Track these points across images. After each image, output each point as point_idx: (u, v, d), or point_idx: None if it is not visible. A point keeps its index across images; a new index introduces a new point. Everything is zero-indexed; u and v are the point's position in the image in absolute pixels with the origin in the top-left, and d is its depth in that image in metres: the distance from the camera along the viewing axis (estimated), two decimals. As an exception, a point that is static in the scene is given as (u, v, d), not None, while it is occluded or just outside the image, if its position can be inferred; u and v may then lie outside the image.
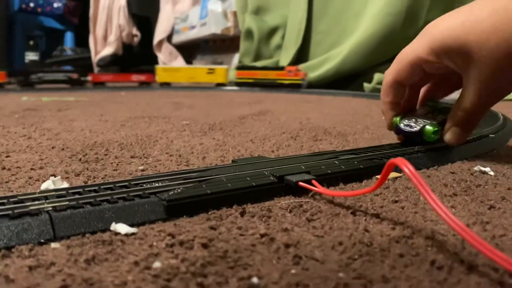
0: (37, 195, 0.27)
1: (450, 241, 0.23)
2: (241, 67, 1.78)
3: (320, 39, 1.69)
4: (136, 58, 2.79)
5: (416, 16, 1.38)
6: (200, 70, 1.88)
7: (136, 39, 2.68)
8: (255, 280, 0.19)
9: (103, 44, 2.59)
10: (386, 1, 1.39)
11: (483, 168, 0.39)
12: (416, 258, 0.21)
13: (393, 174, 0.36)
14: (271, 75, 1.67)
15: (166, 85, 1.89)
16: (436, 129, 0.42)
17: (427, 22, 1.35)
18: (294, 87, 1.61)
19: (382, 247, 0.23)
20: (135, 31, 2.67)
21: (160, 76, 1.92)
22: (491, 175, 0.37)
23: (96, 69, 2.50)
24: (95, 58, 2.61)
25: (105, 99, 1.21)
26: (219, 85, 1.83)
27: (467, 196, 0.32)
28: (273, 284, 0.19)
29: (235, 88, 1.74)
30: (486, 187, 0.34)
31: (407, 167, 0.23)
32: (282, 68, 1.67)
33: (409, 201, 0.30)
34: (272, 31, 1.91)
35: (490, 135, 0.51)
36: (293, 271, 0.20)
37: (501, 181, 0.35)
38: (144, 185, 0.30)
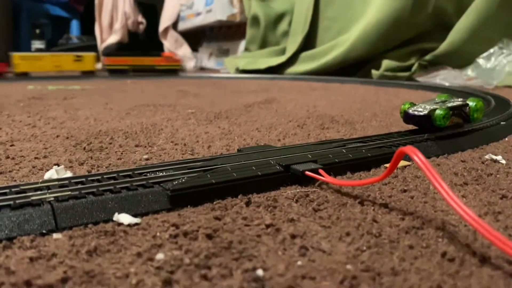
0: (39, 185, 0.26)
1: (461, 232, 0.23)
2: (109, 54, 1.79)
3: (328, 25, 1.66)
4: (142, 46, 2.78)
5: (424, 2, 1.36)
6: (66, 57, 1.72)
7: (141, 27, 2.67)
8: (260, 272, 0.19)
9: (109, 32, 2.58)
10: (394, -14, 1.36)
11: (494, 157, 0.38)
12: (426, 250, 0.21)
13: (402, 163, 0.36)
14: (147, 61, 1.73)
15: (24, 75, 1.62)
16: (447, 112, 0.41)
17: (436, 8, 1.32)
18: (171, 72, 1.71)
19: (391, 238, 0.22)
20: (140, 18, 2.65)
21: (19, 65, 1.62)
22: (502, 164, 0.36)
23: (102, 57, 2.50)
24: (101, 46, 2.60)
25: (111, 87, 1.21)
26: (87, 73, 1.71)
27: (478, 185, 0.31)
28: (279, 276, 0.18)
29: (242, 75, 1.72)
30: (497, 176, 0.33)
31: (417, 156, 0.22)
32: (158, 54, 1.75)
33: (418, 191, 0.29)
34: (279, 18, 1.89)
35: (501, 123, 0.50)
36: (299, 262, 0.20)
37: (513, 170, 0.34)
38: (148, 174, 0.29)
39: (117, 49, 2.47)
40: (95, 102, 0.83)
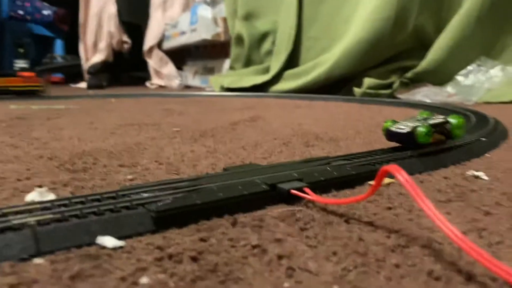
0: (21, 208, 0.26)
1: (447, 249, 0.23)
2: None
3: (311, 44, 1.69)
4: (127, 65, 2.78)
5: (405, 22, 1.39)
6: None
7: (126, 46, 2.67)
8: (246, 295, 0.18)
9: (93, 51, 2.57)
10: (375, 7, 1.39)
11: (476, 173, 0.38)
12: (412, 269, 0.21)
13: (386, 180, 0.36)
14: (1, 82, 1.53)
15: None
16: (429, 130, 0.41)
17: (416, 27, 1.36)
18: (30, 93, 1.52)
19: (378, 257, 0.22)
20: (125, 38, 2.66)
21: None
22: (485, 180, 0.37)
23: (86, 76, 2.49)
24: (85, 65, 2.59)
25: (95, 106, 1.20)
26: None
27: (462, 202, 0.31)
28: (266, 298, 0.18)
29: (227, 93, 1.73)
30: (480, 192, 0.33)
31: (401, 174, 0.22)
32: (13, 74, 1.57)
33: (403, 208, 0.30)
34: (263, 37, 1.91)
35: (482, 139, 0.51)
36: (286, 284, 0.19)
37: (495, 186, 0.35)
38: (132, 195, 0.29)
39: (102, 68, 2.47)
40: (80, 121, 0.82)
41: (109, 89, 2.24)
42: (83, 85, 2.50)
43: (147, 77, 2.68)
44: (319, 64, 1.56)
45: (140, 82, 2.75)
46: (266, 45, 1.90)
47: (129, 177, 0.39)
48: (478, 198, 0.32)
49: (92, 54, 2.57)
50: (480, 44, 1.34)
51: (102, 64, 2.50)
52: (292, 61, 1.72)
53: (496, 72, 1.28)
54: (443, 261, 0.21)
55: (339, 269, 0.21)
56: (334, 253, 0.22)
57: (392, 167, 0.23)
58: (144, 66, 2.65)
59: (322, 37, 1.65)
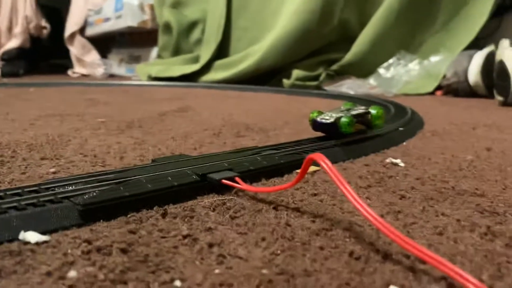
0: None
1: (366, 231, 0.24)
2: None
3: (240, 35, 1.69)
4: (46, 52, 2.61)
5: (330, 15, 1.43)
6: None
7: (45, 32, 2.51)
8: (177, 283, 0.19)
9: (8, 37, 2.39)
10: (302, 0, 1.42)
11: (394, 160, 0.41)
12: (335, 250, 0.22)
13: (312, 168, 0.37)
14: None
15: None
16: (351, 120, 0.43)
17: (341, 21, 1.40)
18: None
19: (303, 241, 0.23)
20: (44, 23, 2.49)
21: None
22: (401, 166, 0.40)
23: (0, 63, 2.31)
24: (-1, 51, 2.41)
25: (10, 95, 1.12)
26: None
27: (381, 187, 0.33)
28: (197, 285, 0.19)
29: (155, 83, 1.69)
30: (397, 178, 0.36)
31: (324, 162, 0.23)
32: None
33: (327, 194, 0.31)
34: (192, 25, 1.88)
35: (400, 128, 0.55)
36: (216, 271, 0.20)
37: (411, 172, 0.38)
38: (56, 189, 0.28)
39: (18, 55, 2.30)
40: (-7, 112, 0.76)
41: (26, 78, 2.10)
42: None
43: (69, 65, 2.54)
44: (248, 55, 1.58)
45: (61, 71, 2.60)
46: (195, 34, 1.88)
47: (52, 170, 0.37)
48: (395, 184, 0.34)
49: (6, 40, 2.39)
50: (400, 39, 1.43)
51: (17, 51, 2.33)
52: (221, 51, 1.72)
53: (414, 65, 1.37)
54: (363, 242, 0.23)
55: (268, 253, 0.22)
56: (263, 239, 0.23)
57: (317, 156, 0.24)
58: (65, 53, 2.51)
59: (251, 28, 1.66)
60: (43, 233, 0.23)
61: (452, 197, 0.31)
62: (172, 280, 0.19)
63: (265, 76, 1.56)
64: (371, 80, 1.37)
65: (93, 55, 2.43)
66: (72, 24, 2.42)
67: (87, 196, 0.26)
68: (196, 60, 1.80)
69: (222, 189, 0.31)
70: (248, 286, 0.19)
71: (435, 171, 0.38)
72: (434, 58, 1.35)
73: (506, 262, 0.21)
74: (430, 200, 0.30)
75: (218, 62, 1.68)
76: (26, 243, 0.22)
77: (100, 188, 0.28)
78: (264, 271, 0.20)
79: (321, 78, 1.45)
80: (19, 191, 0.27)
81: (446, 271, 0.19)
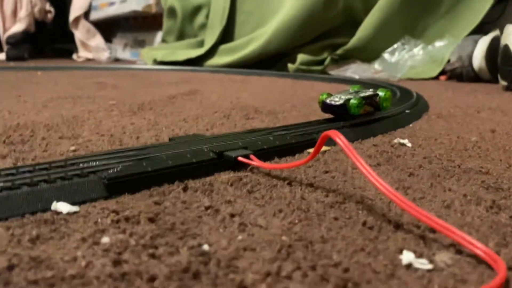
0: (-35, 177, 0.25)
1: (377, 204, 0.26)
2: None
3: (245, 19, 1.69)
4: (50, 36, 2.62)
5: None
6: None
7: (50, 16, 2.51)
8: (205, 247, 0.20)
9: (13, 21, 2.39)
10: (308, -17, 1.42)
11: (401, 141, 0.42)
12: (349, 221, 0.23)
13: (323, 148, 0.39)
14: None
15: None
16: (360, 102, 0.45)
17: (346, 5, 1.40)
18: None
19: (319, 212, 0.24)
20: (48, 7, 2.49)
21: None
22: (409, 147, 0.41)
23: (5, 47, 2.32)
24: (4, 35, 2.41)
25: (20, 79, 1.13)
26: None
27: (389, 165, 0.35)
28: (223, 249, 0.20)
29: (161, 67, 1.70)
30: (405, 157, 0.37)
31: (340, 138, 0.25)
32: None
33: (338, 171, 0.33)
34: (196, 10, 1.88)
35: (406, 111, 0.56)
36: (239, 237, 0.21)
37: (418, 152, 0.39)
38: (81, 164, 0.29)
39: (23, 39, 2.30)
40: (5, 94, 0.78)
41: (31, 62, 2.10)
42: (1, 56, 2.33)
43: (74, 49, 2.54)
44: (253, 39, 1.58)
45: (66, 55, 2.60)
46: (199, 18, 1.88)
47: (72, 148, 0.39)
48: (403, 162, 0.36)
49: (11, 23, 2.39)
50: (404, 24, 1.43)
51: (23, 34, 2.34)
52: (226, 35, 1.72)
53: (418, 50, 1.37)
54: (375, 214, 0.24)
55: (286, 223, 0.23)
56: (280, 211, 0.25)
57: (332, 132, 0.25)
58: (70, 37, 2.51)
59: (256, 12, 1.66)
60: (72, 204, 0.25)
61: (458, 175, 0.32)
62: (200, 245, 0.20)
63: (270, 61, 1.57)
64: (376, 65, 1.37)
65: (98, 39, 2.43)
66: (76, 8, 2.41)
67: (111, 170, 0.28)
68: (201, 44, 1.80)
69: (238, 166, 0.32)
70: (270, 250, 0.20)
71: (441, 151, 0.39)
72: (438, 43, 1.35)
73: (511, 232, 0.22)
74: (438, 177, 0.32)
75: (223, 47, 1.69)
76: (59, 213, 0.24)
77: (123, 164, 0.29)
78: (284, 237, 0.21)
79: (326, 62, 1.46)
80: (46, 166, 0.28)
81: (455, 238, 0.20)
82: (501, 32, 1.11)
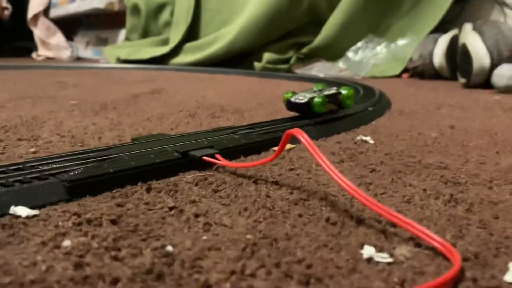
0: None
1: (340, 200, 0.26)
2: None
3: (211, 17, 1.68)
4: (8, 34, 2.52)
5: (300, -2, 1.45)
6: None
7: (7, 13, 2.42)
8: (169, 248, 0.20)
9: (-34, 17, 2.30)
10: (272, -18, 1.43)
11: (364, 138, 0.43)
12: (313, 217, 0.24)
13: (287, 146, 0.39)
14: None
15: None
16: (323, 100, 0.45)
17: (310, 4, 1.41)
18: None
19: (283, 210, 0.25)
20: (4, 3, 2.40)
21: None
22: (371, 143, 0.42)
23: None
24: (-44, 33, 2.31)
25: (-25, 78, 1.09)
26: None
27: (352, 162, 0.35)
28: (187, 250, 0.20)
29: (124, 65, 1.67)
30: (367, 153, 0.38)
31: (303, 136, 0.25)
32: None
33: (303, 169, 0.33)
34: (160, 7, 1.85)
35: (369, 108, 0.57)
36: (204, 237, 0.21)
37: (380, 148, 0.40)
38: (40, 166, 0.28)
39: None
40: (-41, 94, 0.74)
41: (-12, 60, 2.02)
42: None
43: (33, 48, 2.46)
44: (219, 37, 1.57)
45: (25, 53, 2.52)
46: (164, 16, 1.85)
47: (31, 150, 0.37)
48: (365, 159, 0.36)
49: (-35, 20, 2.30)
50: (367, 23, 1.45)
51: (-22, 32, 2.24)
52: (192, 33, 1.71)
53: (381, 49, 1.40)
54: (338, 210, 0.25)
55: (251, 221, 0.23)
56: (245, 209, 0.25)
57: (295, 131, 0.25)
58: (29, 35, 2.43)
59: (221, 11, 1.65)
60: (32, 208, 0.24)
61: (418, 170, 0.33)
62: (163, 246, 0.20)
63: (236, 59, 1.57)
64: (340, 63, 1.40)
65: (59, 38, 2.36)
66: (35, 5, 2.34)
67: (72, 173, 0.27)
68: (165, 42, 1.78)
69: (203, 165, 0.32)
70: (235, 249, 0.20)
71: (403, 147, 0.41)
72: (401, 42, 1.39)
73: (467, 225, 0.23)
74: (398, 172, 0.33)
75: (188, 45, 1.67)
76: (17, 217, 0.23)
77: (84, 166, 0.29)
78: (249, 236, 0.21)
79: (292, 61, 1.47)
80: (3, 169, 0.27)
81: (414, 232, 0.21)
82: (460, 30, 1.15)
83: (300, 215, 0.24)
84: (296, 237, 0.21)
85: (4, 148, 0.38)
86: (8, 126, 0.47)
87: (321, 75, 1.30)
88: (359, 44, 1.43)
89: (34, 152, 0.37)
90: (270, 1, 1.44)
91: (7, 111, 0.58)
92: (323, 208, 0.25)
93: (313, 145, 0.25)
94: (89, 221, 0.23)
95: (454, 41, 1.14)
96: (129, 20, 1.94)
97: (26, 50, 2.52)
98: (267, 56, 1.46)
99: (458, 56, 1.08)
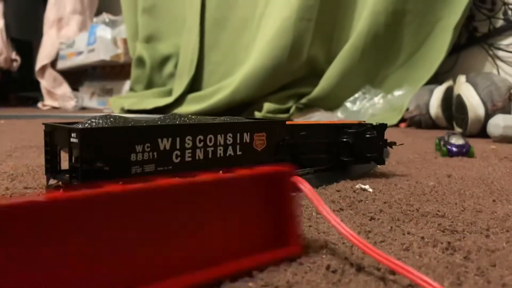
0: None
1: (340, 248, 0.27)
2: None
3: (213, 69, 1.74)
4: (16, 84, 2.59)
5: (300, 51, 1.50)
6: None
7: (15, 64, 2.50)
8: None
9: (-23, 69, 2.37)
10: (273, 36, 1.48)
11: (363, 186, 0.44)
12: (313, 265, 0.24)
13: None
14: None
15: None
16: None
17: (309, 57, 1.45)
18: None
19: (285, 258, 0.25)
20: (14, 55, 2.49)
21: None
22: (370, 192, 0.43)
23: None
24: (-34, 84, 2.38)
25: (-19, 128, 1.11)
26: None
27: (352, 210, 0.36)
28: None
29: (129, 115, 1.70)
30: (366, 202, 0.39)
31: (303, 185, 0.26)
32: None
33: (303, 217, 0.34)
34: (165, 60, 1.92)
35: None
36: (207, 284, 0.22)
37: (378, 196, 0.41)
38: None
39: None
40: (-34, 144, 0.76)
41: (-6, 110, 2.07)
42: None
43: (39, 98, 2.52)
44: (221, 88, 1.62)
45: (31, 103, 2.58)
46: (168, 68, 1.91)
47: (38, 198, 0.38)
48: (364, 207, 0.37)
49: (-25, 72, 2.37)
50: (364, 74, 1.50)
51: (-14, 83, 2.31)
52: (195, 84, 1.75)
53: (378, 99, 1.44)
54: (338, 258, 0.25)
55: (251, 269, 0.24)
56: (248, 257, 0.25)
57: (296, 179, 0.26)
58: (35, 86, 2.50)
59: (223, 63, 1.71)
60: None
61: (416, 218, 0.34)
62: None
63: (237, 109, 1.60)
64: (339, 113, 1.43)
65: (64, 88, 2.42)
66: (43, 57, 2.42)
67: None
68: (169, 93, 1.82)
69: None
70: (237, 296, 0.20)
71: (401, 195, 0.41)
72: (397, 92, 1.42)
73: (465, 272, 0.24)
74: (397, 221, 0.33)
75: (192, 95, 1.72)
76: None
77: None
78: (250, 284, 0.22)
79: (291, 111, 1.50)
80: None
81: (413, 279, 0.21)
82: (454, 81, 1.18)
83: (301, 263, 0.24)
84: (297, 285, 0.22)
85: (10, 196, 0.39)
86: (15, 175, 0.48)
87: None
88: (356, 94, 1.46)
89: (40, 201, 0.38)
90: (270, 54, 1.49)
91: (14, 160, 0.59)
92: (324, 256, 0.26)
93: (314, 192, 0.26)
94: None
95: (449, 92, 1.17)
96: (134, 72, 1.99)
97: (32, 100, 2.58)
98: (267, 106, 1.50)
99: (453, 106, 1.11)
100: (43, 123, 0.35)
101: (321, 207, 0.25)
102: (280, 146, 0.43)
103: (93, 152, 0.32)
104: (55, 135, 0.34)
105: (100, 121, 0.36)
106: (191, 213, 0.22)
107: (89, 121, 0.36)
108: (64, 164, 0.37)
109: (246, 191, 0.25)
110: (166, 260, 0.21)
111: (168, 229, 0.21)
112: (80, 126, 0.34)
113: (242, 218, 0.25)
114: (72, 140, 0.32)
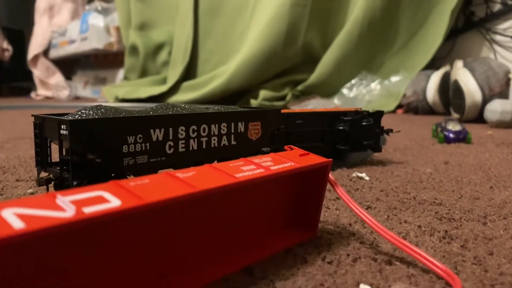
0: None
1: (336, 238, 0.27)
2: None
3: (207, 57, 1.72)
4: (8, 74, 2.56)
5: (295, 37, 1.48)
6: None
7: (7, 54, 2.47)
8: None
9: (-32, 59, 2.34)
10: (267, 23, 1.47)
11: (359, 174, 0.44)
12: (309, 256, 0.24)
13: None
14: None
15: None
16: None
17: (305, 43, 1.44)
18: None
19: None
20: (5, 45, 2.46)
21: None
22: (366, 180, 0.42)
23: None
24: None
25: (-26, 119, 1.10)
26: None
27: (348, 199, 0.36)
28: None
29: (123, 104, 1.69)
30: (363, 190, 0.38)
31: (332, 177, 0.25)
32: None
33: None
34: (158, 47, 1.90)
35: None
36: None
37: (375, 185, 0.40)
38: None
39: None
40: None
41: (-13, 100, 2.05)
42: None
43: (32, 88, 2.50)
44: (216, 76, 1.60)
45: (24, 93, 2.55)
46: (162, 56, 1.90)
47: (29, 191, 0.38)
48: (361, 195, 0.37)
49: (-34, 62, 2.34)
50: (361, 60, 1.49)
51: (-22, 73, 2.28)
52: (189, 72, 1.74)
53: (375, 85, 1.43)
54: (334, 248, 0.25)
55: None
56: (242, 249, 0.25)
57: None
58: (28, 76, 2.47)
59: (218, 50, 1.69)
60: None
61: (413, 206, 0.34)
62: None
63: (233, 97, 1.59)
64: (335, 100, 1.42)
65: (58, 77, 2.40)
66: (35, 46, 2.39)
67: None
68: (163, 81, 1.81)
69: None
70: (231, 290, 0.20)
71: (398, 183, 0.41)
72: (394, 78, 1.42)
73: (462, 261, 0.23)
74: (394, 209, 0.33)
75: (186, 84, 1.70)
76: None
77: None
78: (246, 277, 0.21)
79: (288, 98, 1.49)
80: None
81: (419, 258, 0.21)
82: (451, 67, 1.18)
83: (295, 254, 0.24)
84: (293, 277, 0.21)
85: (2, 189, 0.38)
86: (7, 167, 0.47)
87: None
88: (353, 81, 1.45)
89: (32, 193, 0.37)
90: (265, 41, 1.47)
91: (6, 151, 0.58)
92: (319, 246, 0.25)
93: (338, 185, 0.25)
94: None
95: (446, 77, 1.16)
96: (128, 60, 1.98)
97: (25, 90, 2.55)
98: (263, 93, 1.49)
99: (450, 92, 1.11)
100: (32, 115, 0.34)
101: (351, 204, 0.25)
102: (276, 135, 0.43)
103: (83, 144, 0.31)
104: (44, 127, 0.34)
105: (91, 112, 0.35)
106: (233, 208, 0.24)
107: (79, 112, 0.35)
108: (55, 156, 0.36)
109: (285, 183, 0.27)
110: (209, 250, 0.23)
111: (212, 224, 0.23)
112: (70, 117, 0.34)
113: (275, 206, 0.26)
114: (62, 132, 0.32)
